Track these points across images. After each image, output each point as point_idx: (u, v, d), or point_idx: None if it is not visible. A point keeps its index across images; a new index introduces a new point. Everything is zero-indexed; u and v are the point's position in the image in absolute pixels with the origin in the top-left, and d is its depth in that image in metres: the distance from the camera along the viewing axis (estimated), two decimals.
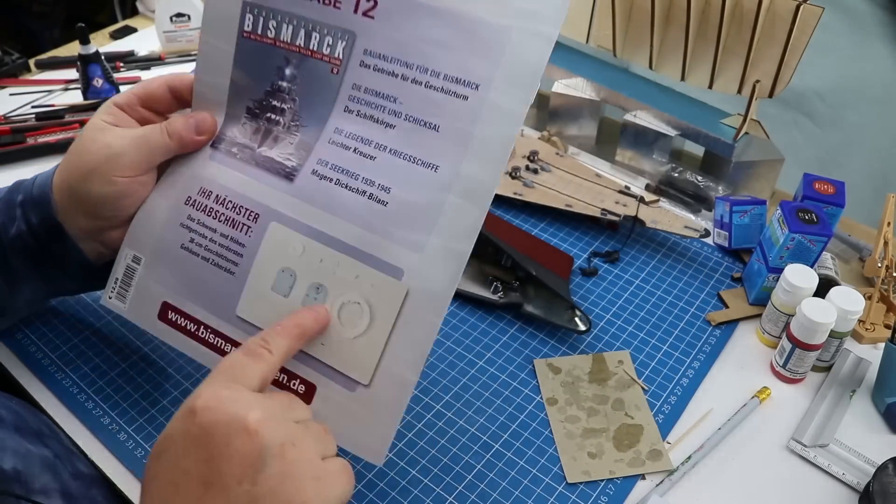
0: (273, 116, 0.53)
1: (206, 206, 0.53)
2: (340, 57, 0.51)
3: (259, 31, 0.53)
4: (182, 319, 0.54)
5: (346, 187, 0.50)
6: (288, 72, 0.53)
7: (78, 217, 0.55)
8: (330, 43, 0.51)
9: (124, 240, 0.56)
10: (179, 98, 0.57)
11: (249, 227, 0.52)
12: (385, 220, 0.48)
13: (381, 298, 0.48)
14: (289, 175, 0.52)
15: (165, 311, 0.54)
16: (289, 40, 0.52)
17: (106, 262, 0.58)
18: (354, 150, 0.50)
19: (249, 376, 0.42)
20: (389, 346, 0.48)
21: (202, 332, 0.53)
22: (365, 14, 0.50)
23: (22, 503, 0.45)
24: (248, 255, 0.52)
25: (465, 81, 0.48)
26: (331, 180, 0.50)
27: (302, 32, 0.52)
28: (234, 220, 0.52)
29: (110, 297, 0.57)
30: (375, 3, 0.50)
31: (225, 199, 0.53)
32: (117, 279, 0.56)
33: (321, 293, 0.49)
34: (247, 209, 0.52)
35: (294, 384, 0.50)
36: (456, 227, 0.47)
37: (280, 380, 0.50)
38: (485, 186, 0.47)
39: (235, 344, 0.52)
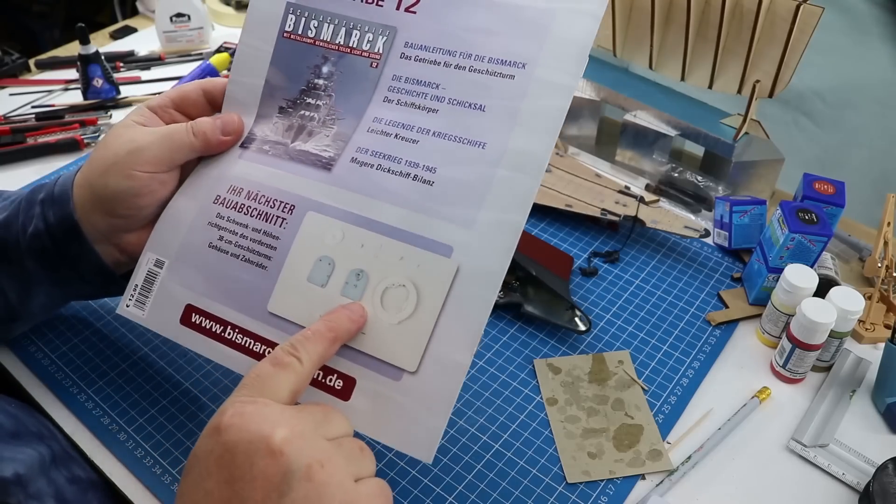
0: (307, 113, 0.53)
1: (237, 202, 0.52)
2: (380, 51, 0.52)
3: (300, 32, 0.54)
4: (207, 321, 0.51)
5: (387, 171, 0.49)
6: (325, 69, 0.53)
7: (95, 215, 0.54)
8: (370, 39, 0.52)
9: (146, 245, 0.54)
10: (213, 102, 0.57)
11: (284, 219, 0.51)
12: (431, 199, 0.48)
13: (429, 278, 0.46)
14: (326, 165, 0.51)
15: (189, 314, 0.52)
16: (329, 39, 0.53)
17: (123, 271, 0.57)
18: (395, 135, 0.50)
19: (277, 388, 0.39)
20: (438, 328, 0.46)
21: (229, 334, 0.51)
22: (407, 10, 0.51)
23: None
24: (283, 247, 0.50)
25: (511, 62, 0.48)
26: (371, 166, 0.50)
27: (343, 31, 0.53)
28: (267, 213, 0.51)
29: (128, 306, 0.54)
30: None
31: (258, 194, 0.52)
32: (137, 286, 0.54)
33: (362, 279, 0.48)
34: (281, 202, 0.51)
35: (330, 380, 0.47)
36: (508, 199, 0.46)
37: (316, 377, 0.47)
38: (536, 157, 0.46)
39: (265, 342, 0.49)
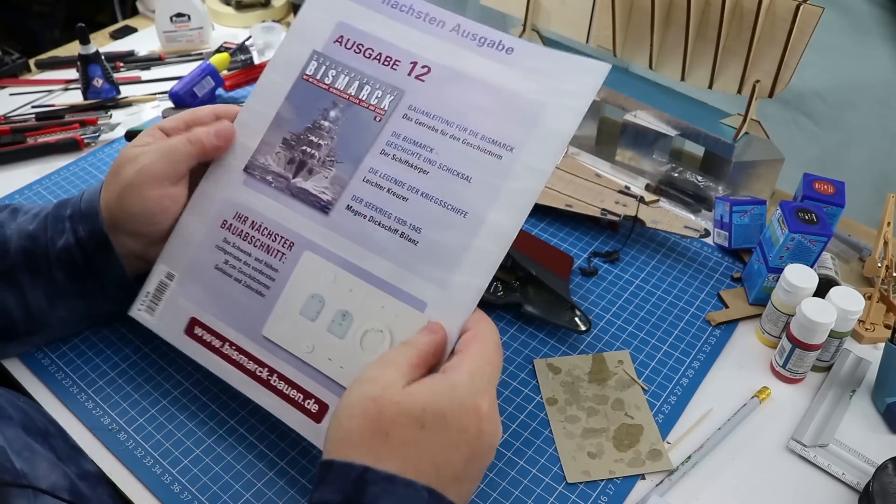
0: (309, 150, 0.57)
1: (242, 230, 0.57)
2: (385, 108, 0.57)
3: (318, 77, 0.59)
4: (208, 336, 0.57)
5: (379, 224, 0.54)
6: (333, 114, 0.58)
7: (121, 236, 0.58)
8: (379, 96, 0.57)
9: (160, 256, 0.60)
10: None
11: (284, 253, 0.56)
12: (414, 258, 0.53)
13: (403, 327, 0.52)
14: (324, 208, 0.56)
15: (192, 326, 0.58)
16: (342, 88, 0.58)
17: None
18: (388, 189, 0.54)
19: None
20: None
21: (226, 349, 0.56)
22: (417, 77, 0.57)
23: (38, 495, 0.45)
24: (281, 279, 0.55)
25: (500, 143, 0.53)
26: (364, 216, 0.54)
27: (356, 84, 0.58)
28: (269, 246, 0.56)
29: (139, 310, 0.60)
30: (429, 69, 0.57)
31: (261, 225, 0.57)
32: (149, 293, 0.60)
33: (347, 320, 0.53)
34: (282, 237, 0.56)
35: (308, 403, 0.53)
36: (478, 265, 0.51)
37: (295, 398, 0.54)
38: (507, 231, 0.51)
39: (257, 362, 0.55)
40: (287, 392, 0.54)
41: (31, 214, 0.61)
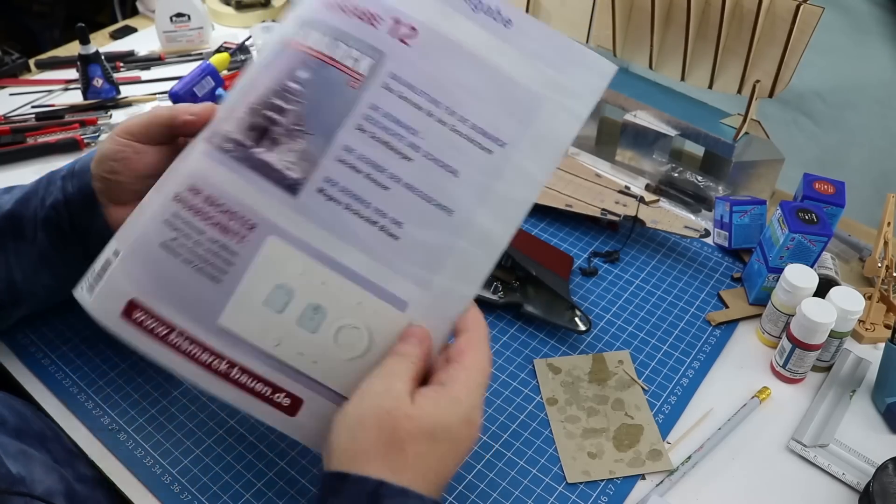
0: (272, 115, 0.50)
1: (195, 205, 0.49)
2: (363, 73, 0.50)
3: (297, 38, 0.51)
4: (151, 321, 0.50)
5: (356, 214, 0.49)
6: (302, 74, 0.50)
7: (96, 181, 0.58)
8: (355, 57, 0.50)
9: (116, 232, 0.53)
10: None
11: (244, 236, 0.49)
12: (394, 253, 0.49)
13: (382, 326, 0.48)
14: (291, 188, 0.49)
15: (131, 309, 0.50)
16: (312, 45, 0.50)
17: None
18: (367, 175, 0.49)
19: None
20: None
21: (174, 339, 0.49)
22: (401, 40, 0.50)
23: (33, 501, 0.45)
24: (240, 264, 0.49)
25: (491, 136, 0.49)
26: (340, 203, 0.49)
27: (327, 40, 0.50)
28: (226, 226, 0.49)
29: (81, 289, 0.53)
30: (415, 31, 0.50)
31: (217, 200, 0.49)
32: (95, 270, 0.52)
33: (319, 314, 0.49)
34: (242, 216, 0.49)
35: (279, 397, 0.49)
36: (463, 270, 0.49)
37: (262, 391, 0.49)
38: (496, 240, 0.49)
39: (213, 353, 0.49)
40: (252, 385, 0.50)
41: (31, 182, 0.61)
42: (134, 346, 0.50)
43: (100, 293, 0.51)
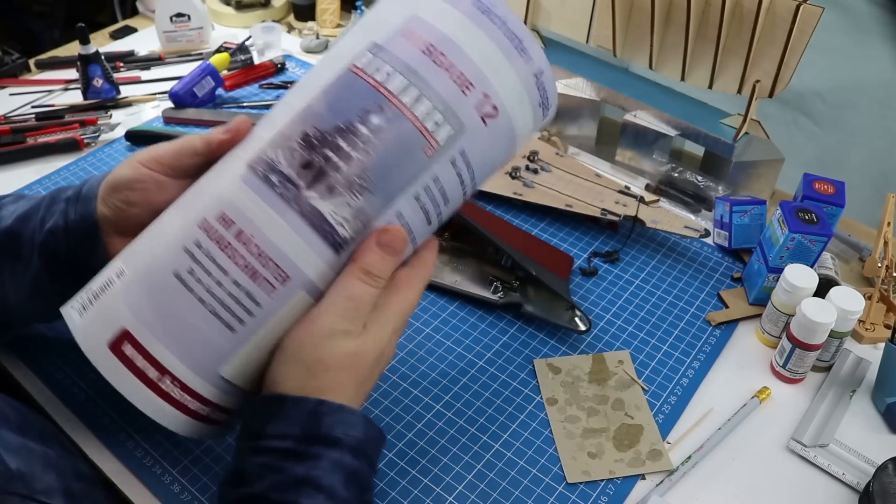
0: (333, 158, 0.44)
1: (222, 238, 0.43)
2: (441, 143, 0.45)
3: (368, 70, 0.45)
4: (141, 360, 0.44)
5: None
6: (375, 120, 0.44)
7: (100, 204, 0.53)
8: (437, 121, 0.45)
9: (122, 249, 0.48)
10: None
11: (274, 287, 0.43)
12: None
13: None
14: (337, 246, 0.44)
15: (121, 340, 0.44)
16: (395, 91, 0.44)
17: None
18: (407, 242, 0.47)
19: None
20: None
21: (165, 384, 0.44)
22: (483, 118, 0.46)
23: (28, 502, 0.45)
24: (262, 316, 0.44)
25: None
26: None
27: (414, 92, 0.44)
28: (256, 271, 0.43)
29: (71, 307, 0.47)
30: (496, 111, 0.46)
31: (249, 239, 0.43)
32: (91, 288, 0.46)
33: None
34: (277, 265, 0.43)
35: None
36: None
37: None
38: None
39: (205, 402, 0.45)
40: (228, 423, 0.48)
41: (33, 198, 0.57)
42: (113, 384, 0.44)
43: (92, 315, 0.45)
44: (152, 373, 0.44)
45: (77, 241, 0.53)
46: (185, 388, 0.44)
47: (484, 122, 0.46)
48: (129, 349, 0.44)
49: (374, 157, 0.44)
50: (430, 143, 0.45)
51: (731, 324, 0.72)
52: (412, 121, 0.44)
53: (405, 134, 0.44)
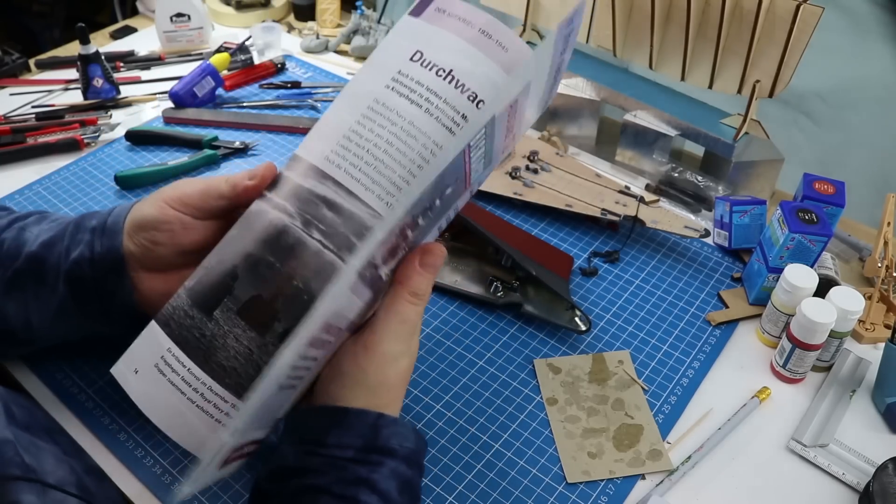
0: (411, 236, 0.45)
1: (319, 339, 0.42)
2: (472, 181, 0.48)
3: (474, 151, 0.44)
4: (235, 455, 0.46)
5: None
6: (449, 190, 0.44)
7: (128, 241, 0.54)
8: (480, 166, 0.47)
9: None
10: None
11: (331, 343, 0.45)
12: None
13: None
14: (377, 290, 0.47)
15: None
16: (474, 161, 0.44)
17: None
18: None
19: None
20: None
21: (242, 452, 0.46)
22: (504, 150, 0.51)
23: (48, 490, 0.45)
24: (315, 367, 0.47)
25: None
26: None
27: (482, 150, 0.45)
28: (324, 341, 0.44)
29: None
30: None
31: (334, 326, 0.44)
32: (209, 461, 0.41)
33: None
34: (338, 328, 0.44)
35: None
36: None
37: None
38: None
39: (258, 442, 0.48)
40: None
41: (57, 222, 0.58)
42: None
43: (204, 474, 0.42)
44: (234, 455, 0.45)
45: (103, 273, 0.54)
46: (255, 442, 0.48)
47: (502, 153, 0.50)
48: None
49: (435, 217, 0.47)
50: (468, 182, 0.47)
51: (731, 324, 0.72)
52: (468, 175, 0.46)
53: (460, 188, 0.46)
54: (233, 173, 0.51)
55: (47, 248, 0.55)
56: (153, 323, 0.49)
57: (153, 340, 0.48)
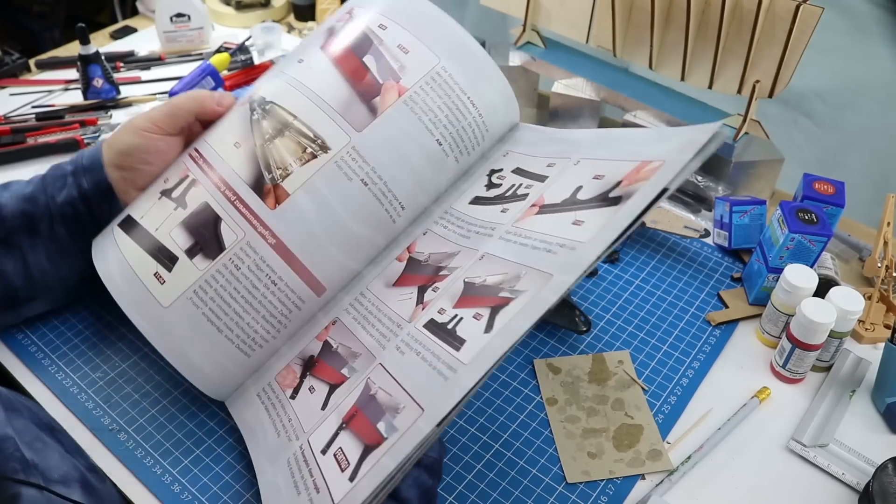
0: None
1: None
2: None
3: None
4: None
5: None
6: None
7: (112, 170, 0.61)
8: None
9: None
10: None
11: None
12: None
13: None
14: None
15: None
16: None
17: None
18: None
19: None
20: None
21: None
22: None
23: (44, 493, 0.45)
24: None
25: None
26: None
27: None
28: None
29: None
30: None
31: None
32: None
33: None
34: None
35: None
36: None
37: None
38: None
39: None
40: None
41: (25, 182, 0.63)
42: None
43: None
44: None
45: (97, 204, 0.62)
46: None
47: None
48: None
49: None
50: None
51: (731, 324, 0.72)
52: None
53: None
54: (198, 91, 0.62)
55: (29, 202, 0.61)
56: None
57: None
